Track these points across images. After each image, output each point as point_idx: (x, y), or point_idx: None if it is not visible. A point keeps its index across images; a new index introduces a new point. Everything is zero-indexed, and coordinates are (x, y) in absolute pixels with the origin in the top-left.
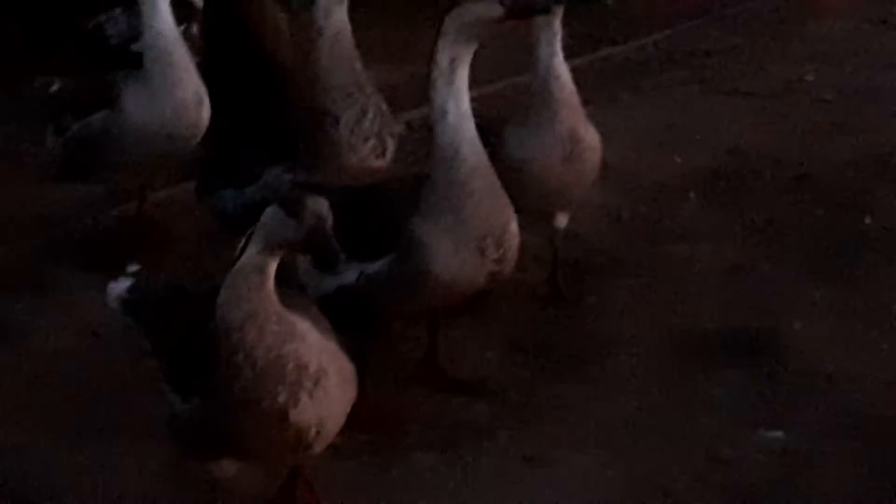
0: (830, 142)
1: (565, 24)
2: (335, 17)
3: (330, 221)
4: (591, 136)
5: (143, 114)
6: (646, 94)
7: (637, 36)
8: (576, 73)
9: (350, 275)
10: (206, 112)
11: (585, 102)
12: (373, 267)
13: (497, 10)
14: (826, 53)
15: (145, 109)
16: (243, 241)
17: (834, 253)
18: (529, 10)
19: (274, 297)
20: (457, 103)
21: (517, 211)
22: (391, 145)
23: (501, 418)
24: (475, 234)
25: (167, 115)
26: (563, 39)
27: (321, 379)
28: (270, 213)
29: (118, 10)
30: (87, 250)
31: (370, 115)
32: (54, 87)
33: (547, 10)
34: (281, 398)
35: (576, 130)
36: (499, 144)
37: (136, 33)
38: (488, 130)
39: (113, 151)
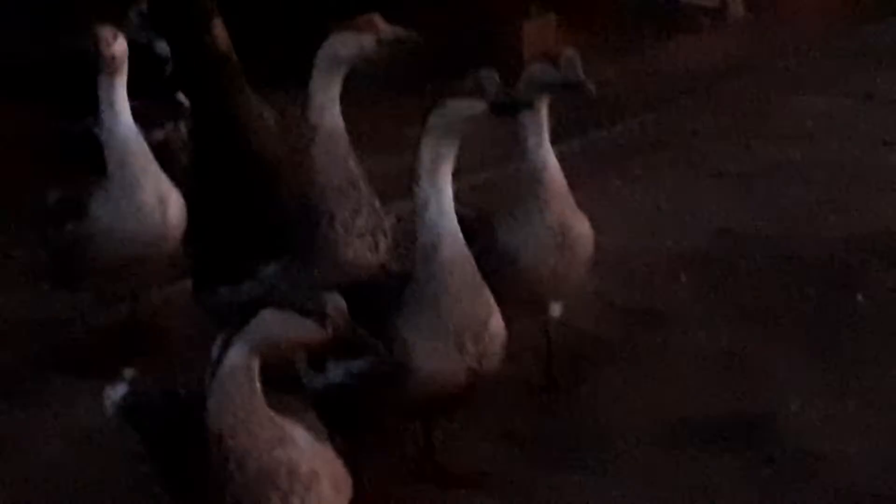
0: (820, 220)
1: (552, 108)
2: (329, 115)
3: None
4: (581, 226)
5: (106, 219)
6: (634, 177)
7: (624, 119)
8: (563, 157)
9: (337, 373)
10: (172, 213)
11: (574, 187)
12: (357, 364)
13: (480, 107)
14: (812, 131)
15: (108, 214)
16: (219, 343)
17: (827, 332)
18: (513, 106)
19: (262, 400)
20: (438, 200)
21: (511, 301)
22: (384, 241)
23: None
24: (453, 330)
25: (128, 219)
26: (550, 124)
27: (313, 484)
28: (271, 316)
29: None
30: (80, 355)
31: (364, 213)
32: (52, 197)
33: (530, 106)
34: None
35: (566, 220)
36: (490, 236)
37: None
38: (479, 221)
39: (85, 259)
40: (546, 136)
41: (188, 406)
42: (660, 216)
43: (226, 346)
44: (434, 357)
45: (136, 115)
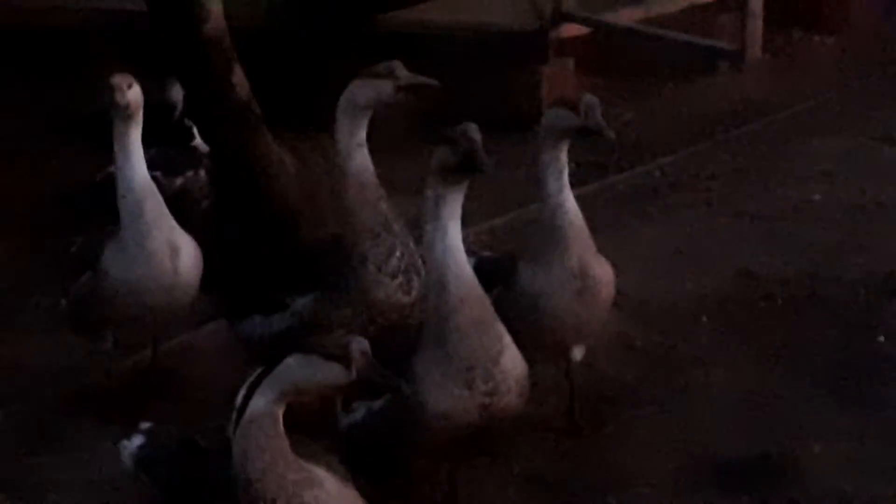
0: (840, 261)
1: (571, 152)
2: (356, 159)
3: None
4: (602, 270)
5: (118, 269)
6: (654, 219)
7: (643, 162)
8: (583, 200)
9: (359, 412)
10: (184, 262)
11: (593, 230)
12: (377, 403)
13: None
14: (831, 172)
15: (120, 265)
16: (245, 389)
17: (849, 373)
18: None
19: (288, 445)
20: (443, 238)
21: (533, 346)
22: (417, 282)
23: None
24: (462, 367)
25: (138, 269)
26: (571, 168)
27: None
28: (296, 361)
29: None
30: (102, 402)
31: (397, 254)
32: (75, 247)
33: (481, 170)
34: None
35: (586, 265)
36: (511, 280)
37: None
38: (500, 265)
39: (100, 310)
40: (566, 179)
41: (208, 454)
42: (680, 258)
43: (251, 392)
44: (443, 394)
45: (154, 163)
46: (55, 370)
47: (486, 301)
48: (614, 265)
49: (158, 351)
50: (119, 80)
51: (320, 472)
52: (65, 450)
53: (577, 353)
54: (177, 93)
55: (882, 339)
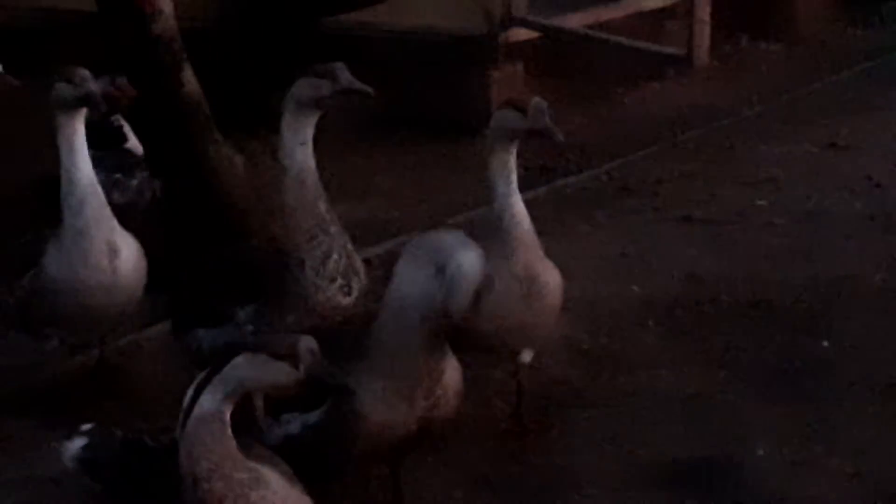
0: (785, 266)
1: (519, 156)
2: (299, 157)
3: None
4: (549, 274)
5: (56, 267)
6: (601, 223)
7: (591, 166)
8: (531, 204)
9: (293, 425)
10: (123, 263)
11: (541, 234)
12: (313, 416)
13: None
14: (776, 178)
15: (58, 262)
16: (193, 389)
17: (793, 377)
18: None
19: (235, 445)
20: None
21: (480, 349)
22: (356, 283)
23: None
24: (405, 385)
25: (76, 266)
26: (518, 171)
27: None
28: (244, 361)
29: None
30: (48, 402)
31: (334, 256)
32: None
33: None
34: None
35: (532, 268)
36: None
37: None
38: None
39: (41, 309)
40: (514, 182)
41: (154, 454)
42: (627, 262)
43: (199, 391)
44: (382, 409)
45: (106, 166)
46: (1, 368)
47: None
48: (562, 269)
49: (105, 350)
50: (78, 70)
51: (267, 472)
52: (9, 448)
53: (526, 355)
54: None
55: (826, 343)
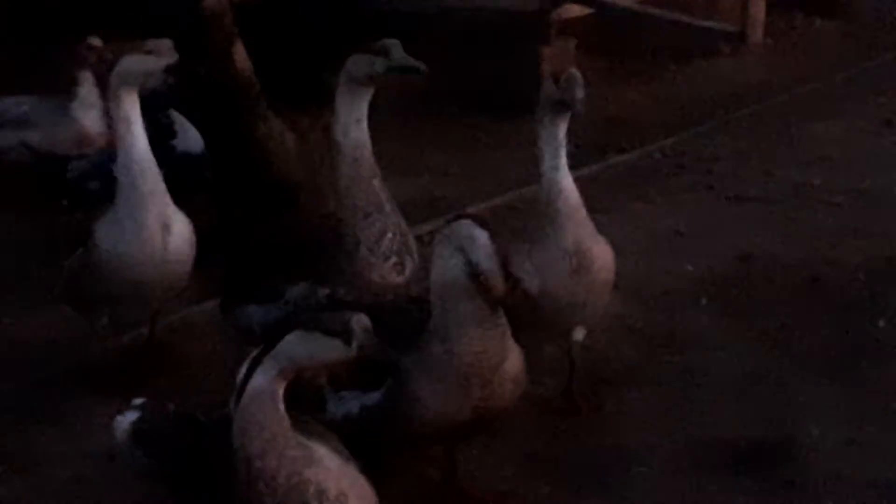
0: (840, 245)
1: (572, 133)
2: (353, 135)
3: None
4: (599, 249)
5: (108, 242)
6: (654, 201)
7: (643, 143)
8: (583, 182)
9: (352, 404)
10: (175, 238)
11: (593, 212)
12: (371, 397)
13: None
14: (832, 157)
15: (111, 237)
16: (246, 366)
17: (848, 357)
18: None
19: (288, 422)
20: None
21: (531, 326)
22: (410, 262)
23: None
24: (461, 374)
25: (129, 241)
26: (570, 149)
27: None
28: (297, 338)
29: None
30: (100, 377)
31: (389, 235)
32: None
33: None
34: None
35: (582, 244)
36: (507, 261)
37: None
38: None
39: (93, 285)
40: (563, 158)
41: (205, 429)
42: (680, 240)
43: (253, 368)
44: (437, 397)
45: None
46: (54, 345)
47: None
48: (615, 247)
49: (157, 327)
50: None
51: (320, 450)
52: (61, 423)
53: (578, 333)
54: None
55: (882, 323)
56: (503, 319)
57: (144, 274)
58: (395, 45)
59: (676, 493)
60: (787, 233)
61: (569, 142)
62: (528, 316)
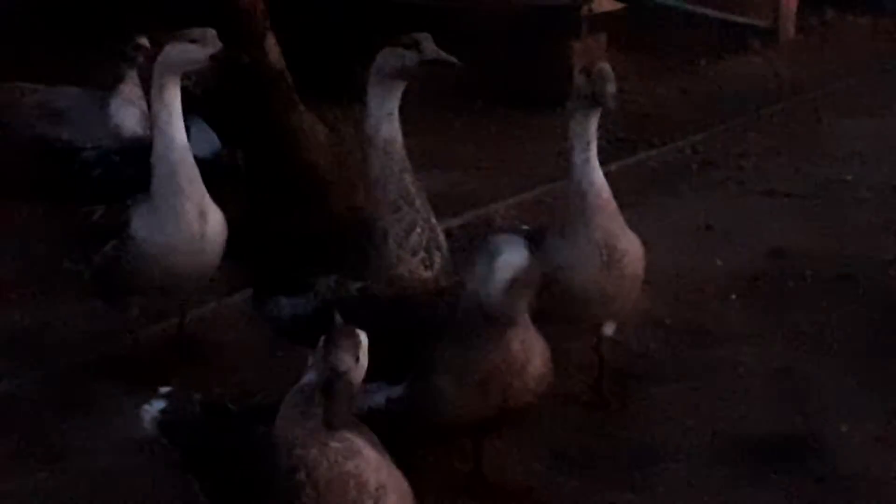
0: (871, 241)
1: (602, 128)
2: (385, 129)
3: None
4: (629, 244)
5: (147, 231)
6: (684, 196)
7: (674, 139)
8: (613, 177)
9: (379, 396)
10: (211, 228)
11: (623, 206)
12: (396, 390)
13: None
14: (863, 152)
15: (150, 226)
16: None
17: (879, 353)
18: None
19: None
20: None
21: (561, 321)
22: (438, 258)
23: None
24: (480, 378)
25: (169, 229)
26: (600, 144)
27: (381, 496)
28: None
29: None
30: (130, 368)
31: (418, 230)
32: (97, 215)
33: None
34: None
35: (612, 236)
36: (539, 255)
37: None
38: (531, 238)
39: (126, 278)
40: (593, 152)
41: (234, 418)
42: (710, 235)
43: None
44: (458, 399)
45: None
46: (84, 335)
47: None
48: (644, 241)
49: (186, 318)
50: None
51: (360, 442)
52: (92, 414)
53: (608, 328)
54: None
55: None
56: (528, 323)
57: (181, 262)
58: (426, 39)
59: (704, 489)
60: (818, 228)
61: (599, 137)
62: (558, 310)
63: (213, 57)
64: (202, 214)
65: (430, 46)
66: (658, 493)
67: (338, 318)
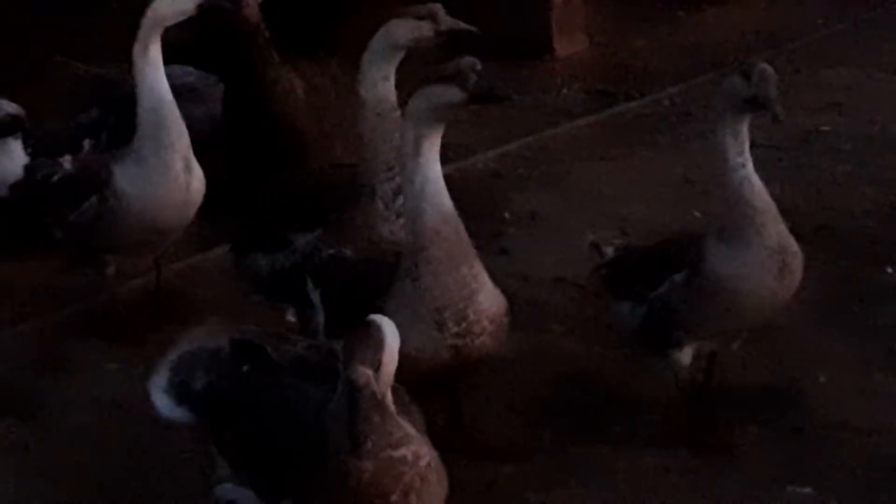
0: (849, 192)
1: (582, 80)
2: (379, 90)
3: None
4: (795, 244)
5: (133, 185)
6: (662, 148)
7: (652, 91)
8: (592, 128)
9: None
10: (195, 182)
11: (603, 159)
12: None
13: (458, 96)
14: (841, 103)
15: (135, 180)
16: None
17: (855, 304)
18: (491, 95)
19: (390, 397)
20: (423, 173)
21: (713, 331)
22: None
23: (529, 481)
24: (432, 306)
25: (157, 181)
26: (579, 95)
27: (427, 476)
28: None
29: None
30: (108, 324)
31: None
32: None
33: (508, 98)
34: (394, 498)
35: (785, 239)
36: (699, 260)
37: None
38: (689, 245)
39: (107, 235)
40: (748, 153)
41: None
42: (688, 187)
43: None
44: (411, 335)
45: None
46: (61, 292)
47: (464, 236)
48: (623, 193)
49: (163, 274)
50: None
51: (412, 430)
52: (71, 370)
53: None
54: None
55: (889, 269)
56: (475, 258)
57: (167, 216)
58: (439, 9)
59: (680, 438)
60: (795, 179)
61: (577, 89)
62: (716, 320)
63: (200, 6)
64: (188, 168)
65: (445, 17)
66: (636, 444)
67: (309, 283)
